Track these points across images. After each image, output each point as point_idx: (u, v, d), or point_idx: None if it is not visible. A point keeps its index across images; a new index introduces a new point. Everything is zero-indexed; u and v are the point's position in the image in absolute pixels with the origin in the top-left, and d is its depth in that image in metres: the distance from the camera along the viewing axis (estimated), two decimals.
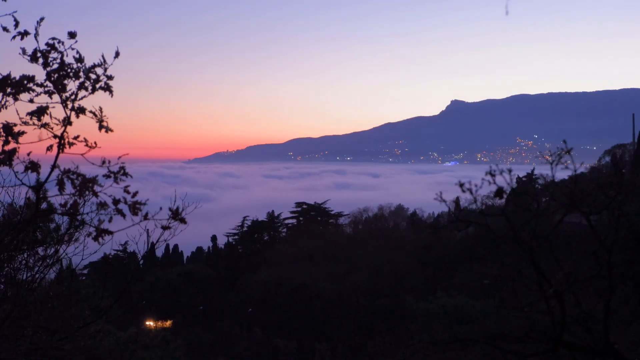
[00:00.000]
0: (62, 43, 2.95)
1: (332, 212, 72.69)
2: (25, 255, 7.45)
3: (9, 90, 2.94)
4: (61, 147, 3.00)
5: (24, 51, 2.92)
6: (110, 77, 3.03)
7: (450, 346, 6.89)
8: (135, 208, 3.08)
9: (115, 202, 3.08)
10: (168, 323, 48.30)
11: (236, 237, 71.53)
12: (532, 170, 55.82)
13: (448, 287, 37.88)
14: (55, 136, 3.01)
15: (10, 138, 2.92)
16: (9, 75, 2.98)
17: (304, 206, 72.31)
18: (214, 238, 71.56)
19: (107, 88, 3.04)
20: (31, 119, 2.94)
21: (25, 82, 2.93)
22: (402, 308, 36.47)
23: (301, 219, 71.59)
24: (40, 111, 2.93)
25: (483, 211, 6.24)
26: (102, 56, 2.99)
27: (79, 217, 3.25)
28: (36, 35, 2.87)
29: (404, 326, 30.61)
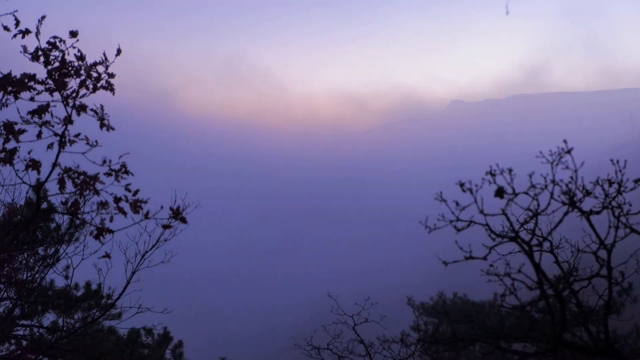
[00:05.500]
0: (64, 42, 2.92)
1: None
2: (26, 255, 7.45)
3: (9, 89, 2.92)
4: (62, 145, 2.98)
5: (25, 49, 2.90)
6: (111, 75, 2.99)
7: (451, 345, 6.89)
8: (136, 206, 3.05)
9: (117, 200, 3.06)
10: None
11: None
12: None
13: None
14: (56, 134, 2.98)
15: (11, 136, 2.89)
16: (9, 74, 2.96)
17: None
18: None
19: (109, 86, 3.00)
20: (32, 117, 2.91)
21: (26, 80, 2.90)
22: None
23: None
24: (41, 110, 2.90)
25: (483, 211, 6.21)
26: (104, 54, 2.97)
27: (79, 217, 3.23)
28: (37, 33, 2.85)
29: None
